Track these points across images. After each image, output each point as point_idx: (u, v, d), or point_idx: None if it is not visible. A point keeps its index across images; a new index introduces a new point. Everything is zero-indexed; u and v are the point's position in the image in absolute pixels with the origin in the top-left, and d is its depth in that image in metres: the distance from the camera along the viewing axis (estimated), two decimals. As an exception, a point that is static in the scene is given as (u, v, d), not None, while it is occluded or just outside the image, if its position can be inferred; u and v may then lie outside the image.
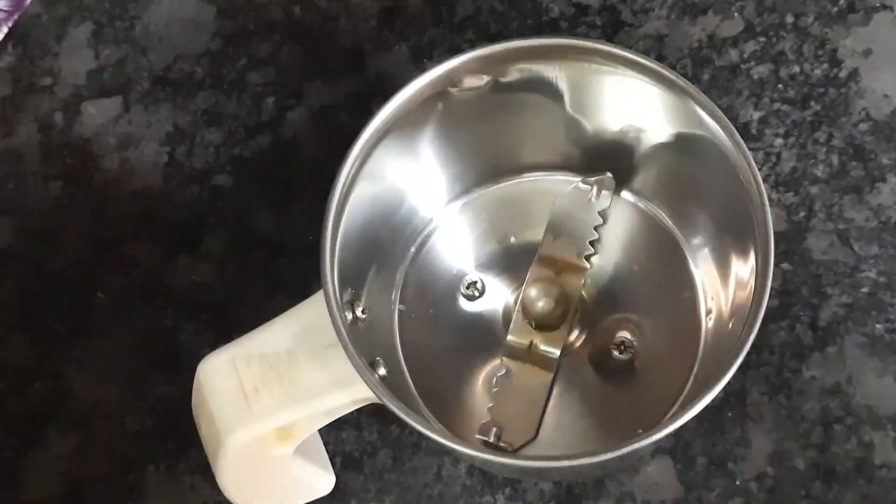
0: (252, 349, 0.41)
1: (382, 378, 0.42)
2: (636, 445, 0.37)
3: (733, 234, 0.44)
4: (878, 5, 0.57)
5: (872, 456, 0.49)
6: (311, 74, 0.60)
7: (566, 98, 0.46)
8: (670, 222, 0.48)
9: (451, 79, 0.44)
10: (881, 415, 0.49)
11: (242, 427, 0.40)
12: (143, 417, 0.54)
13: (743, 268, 0.42)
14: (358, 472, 0.51)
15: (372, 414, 0.52)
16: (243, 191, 0.58)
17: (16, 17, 0.64)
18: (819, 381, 0.50)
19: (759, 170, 0.40)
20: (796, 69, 0.56)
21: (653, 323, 0.47)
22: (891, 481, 0.48)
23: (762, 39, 0.57)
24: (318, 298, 0.41)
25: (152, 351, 0.55)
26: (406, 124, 0.44)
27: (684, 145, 0.44)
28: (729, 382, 0.50)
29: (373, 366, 0.42)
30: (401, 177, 0.47)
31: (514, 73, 0.45)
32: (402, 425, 0.52)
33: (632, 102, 0.45)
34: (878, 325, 0.51)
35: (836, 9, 0.57)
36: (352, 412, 0.52)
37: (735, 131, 0.41)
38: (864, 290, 0.51)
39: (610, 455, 0.37)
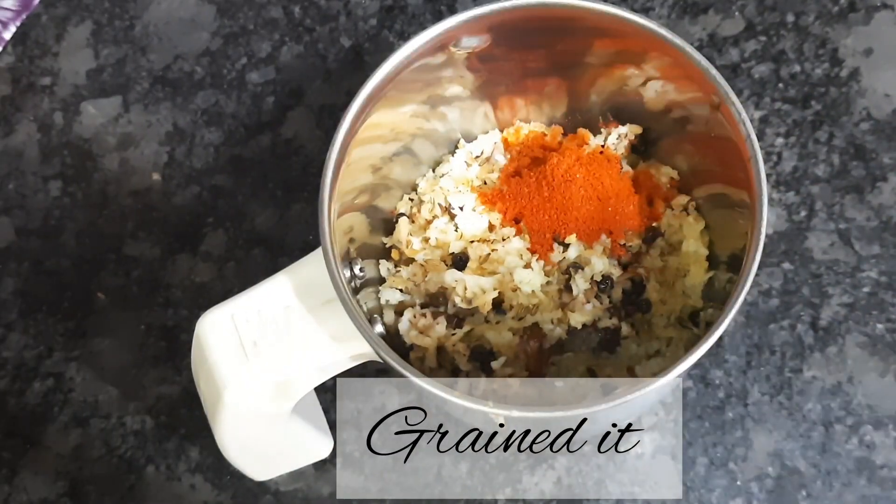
0: (251, 305, 0.42)
1: (380, 335, 0.42)
2: (630, 396, 0.37)
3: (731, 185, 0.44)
4: (879, 4, 0.57)
5: (873, 456, 0.49)
6: (311, 74, 0.60)
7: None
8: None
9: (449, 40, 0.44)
10: (882, 415, 0.49)
11: (241, 381, 0.40)
12: (142, 417, 0.53)
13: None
14: (359, 473, 0.51)
15: (372, 414, 0.52)
16: (243, 190, 0.58)
17: (24, 16, 0.64)
18: (820, 380, 0.50)
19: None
20: (797, 68, 0.56)
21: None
22: (892, 481, 0.48)
23: (763, 38, 0.57)
24: (316, 256, 0.41)
25: (152, 351, 0.55)
26: (404, 82, 0.44)
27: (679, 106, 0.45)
28: (730, 382, 0.50)
29: (370, 322, 0.42)
30: (397, 135, 0.48)
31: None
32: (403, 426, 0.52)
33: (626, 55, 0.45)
34: (879, 325, 0.51)
35: (836, 8, 0.57)
36: (354, 414, 0.52)
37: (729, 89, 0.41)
38: (865, 289, 0.51)
39: (610, 404, 0.37)
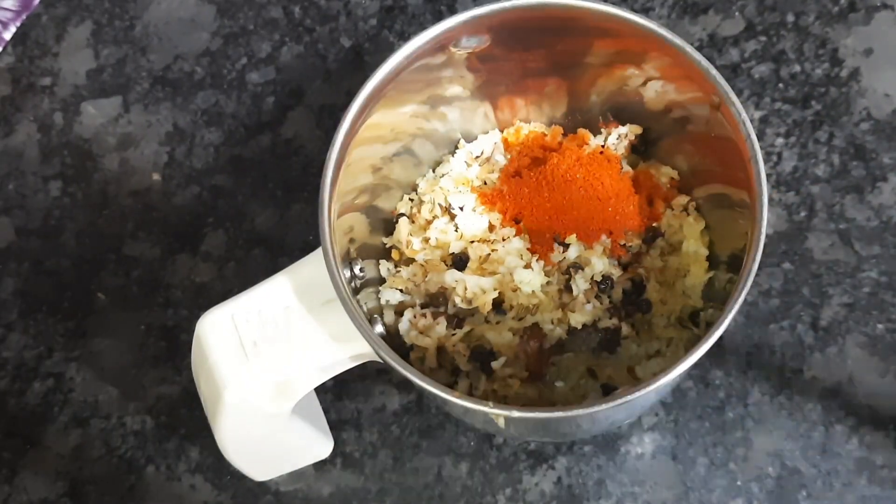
0: (251, 305, 0.42)
1: (380, 335, 0.42)
2: (630, 396, 0.37)
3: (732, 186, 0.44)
4: (879, 4, 0.57)
5: (873, 456, 0.48)
6: (311, 74, 0.60)
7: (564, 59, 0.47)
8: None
9: (448, 40, 0.44)
10: (882, 415, 0.49)
11: (241, 381, 0.41)
12: (142, 417, 0.53)
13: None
14: (359, 473, 0.51)
15: (372, 414, 0.52)
16: (243, 190, 0.58)
17: (24, 16, 0.64)
18: (820, 381, 0.50)
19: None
20: (797, 68, 0.56)
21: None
22: (892, 482, 0.48)
23: (763, 39, 0.57)
24: (316, 256, 0.41)
25: (152, 351, 0.55)
26: (404, 82, 0.45)
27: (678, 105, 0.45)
28: (730, 383, 0.50)
29: (370, 322, 0.42)
30: (397, 135, 0.48)
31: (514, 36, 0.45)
32: (403, 426, 0.52)
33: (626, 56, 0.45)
34: (879, 325, 0.51)
35: (836, 8, 0.57)
36: (354, 414, 0.52)
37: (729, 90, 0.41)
38: (866, 289, 0.51)
39: (610, 404, 0.37)
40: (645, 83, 0.46)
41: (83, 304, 0.56)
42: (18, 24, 0.64)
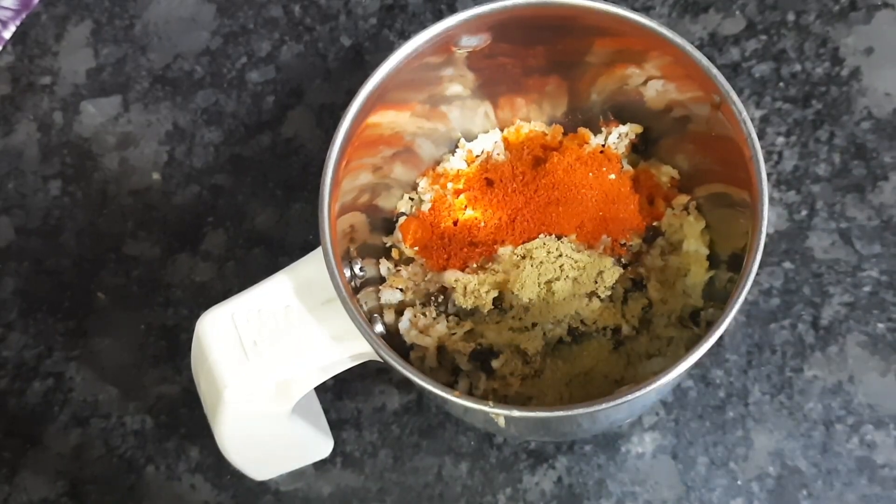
0: (251, 304, 0.42)
1: (380, 335, 0.42)
2: (631, 396, 0.37)
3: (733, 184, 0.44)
4: (879, 3, 0.57)
5: (874, 455, 0.48)
6: (311, 73, 0.60)
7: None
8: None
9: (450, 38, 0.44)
10: (883, 414, 0.49)
11: (241, 381, 0.40)
12: (143, 417, 0.53)
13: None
14: (359, 473, 0.51)
15: (372, 414, 0.52)
16: (243, 190, 0.58)
17: (23, 15, 0.64)
18: (821, 380, 0.50)
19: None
20: (798, 67, 0.56)
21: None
22: (893, 481, 0.48)
23: (763, 37, 0.57)
24: (316, 255, 0.41)
25: (152, 350, 0.55)
26: (405, 81, 0.44)
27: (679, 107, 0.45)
28: (731, 382, 0.50)
29: (370, 322, 0.42)
30: (397, 134, 0.48)
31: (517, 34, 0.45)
32: (403, 426, 0.51)
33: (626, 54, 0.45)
34: (879, 325, 0.50)
35: (837, 7, 0.57)
36: (354, 413, 0.52)
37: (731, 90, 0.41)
38: (866, 289, 0.51)
39: (610, 404, 0.37)
40: (645, 82, 0.46)
41: (83, 303, 0.56)
42: (18, 22, 0.64)
